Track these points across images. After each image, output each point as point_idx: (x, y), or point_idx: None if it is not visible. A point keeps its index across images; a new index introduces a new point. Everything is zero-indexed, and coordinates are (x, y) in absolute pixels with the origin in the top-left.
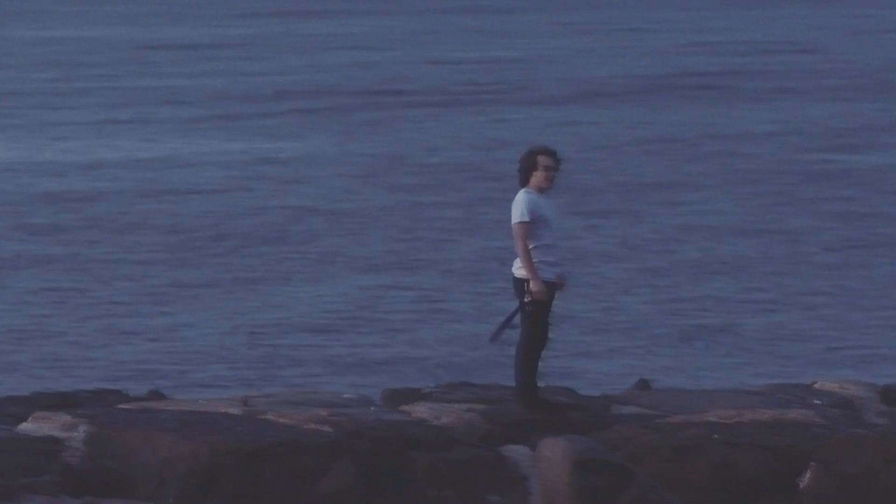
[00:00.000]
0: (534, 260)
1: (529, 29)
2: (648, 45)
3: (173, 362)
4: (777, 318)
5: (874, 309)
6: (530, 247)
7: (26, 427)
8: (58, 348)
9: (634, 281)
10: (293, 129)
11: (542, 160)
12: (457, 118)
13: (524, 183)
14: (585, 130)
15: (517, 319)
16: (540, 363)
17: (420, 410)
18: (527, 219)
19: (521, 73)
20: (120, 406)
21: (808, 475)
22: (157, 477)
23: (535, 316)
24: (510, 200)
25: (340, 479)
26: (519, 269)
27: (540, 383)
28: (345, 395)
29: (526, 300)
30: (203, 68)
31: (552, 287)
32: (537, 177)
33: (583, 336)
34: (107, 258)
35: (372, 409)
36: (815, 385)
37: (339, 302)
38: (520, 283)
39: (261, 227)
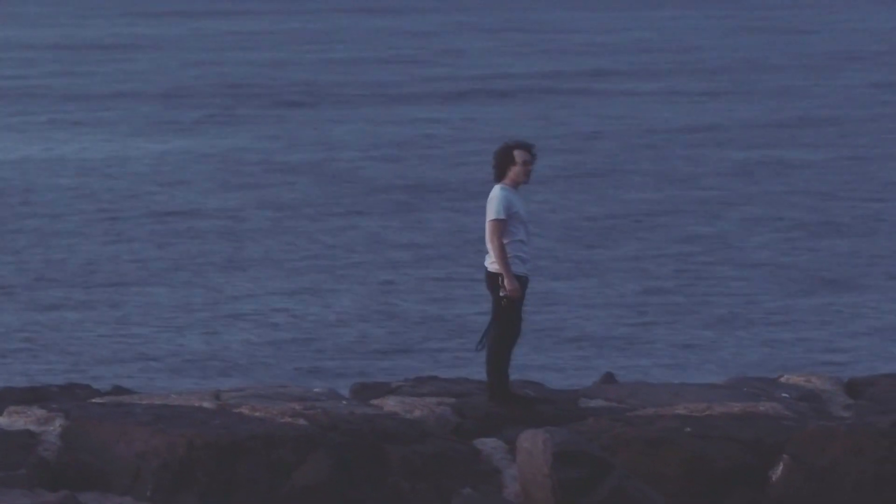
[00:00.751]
0: (507, 255)
1: (433, 29)
2: (550, 45)
3: (119, 358)
4: (718, 314)
5: (811, 310)
6: (504, 242)
7: (0, 421)
8: (3, 344)
9: (571, 275)
10: (208, 128)
11: (520, 155)
12: (363, 116)
13: (500, 178)
14: (497, 125)
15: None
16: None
17: (391, 404)
18: (502, 216)
19: (425, 72)
20: (92, 400)
21: (779, 467)
22: (133, 470)
23: (508, 311)
24: (438, 195)
25: (315, 472)
26: (492, 264)
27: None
28: (315, 390)
29: (501, 294)
30: (108, 68)
31: (524, 282)
32: (515, 172)
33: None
34: (49, 258)
35: (343, 402)
36: (781, 379)
37: (281, 298)
38: (493, 278)
39: (193, 225)
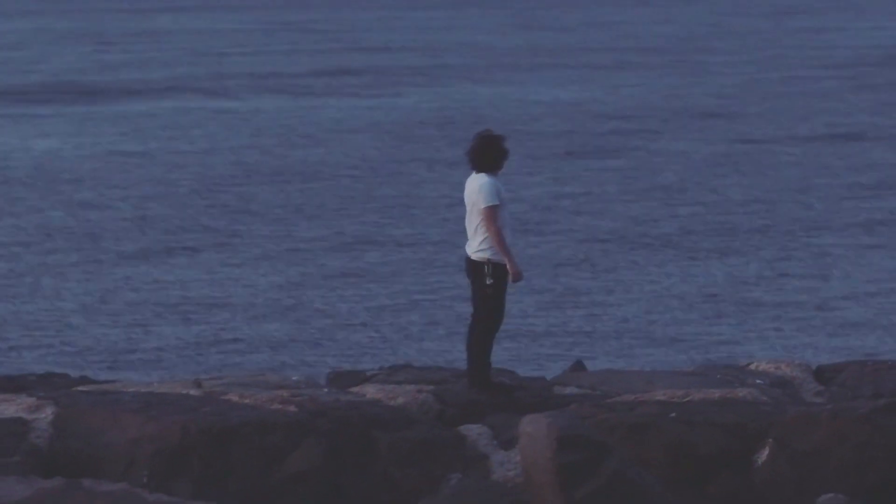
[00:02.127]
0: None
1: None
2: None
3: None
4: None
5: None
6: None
7: None
8: None
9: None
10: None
11: (505, 145)
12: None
13: (486, 168)
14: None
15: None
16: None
17: (372, 391)
18: (496, 201)
19: (206, 69)
20: (76, 389)
21: (764, 452)
22: (127, 457)
23: (495, 299)
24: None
25: (308, 458)
26: (476, 252)
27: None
28: (293, 378)
29: (488, 283)
30: None
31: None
32: (501, 162)
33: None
34: None
35: (324, 390)
36: (750, 366)
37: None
38: (477, 266)
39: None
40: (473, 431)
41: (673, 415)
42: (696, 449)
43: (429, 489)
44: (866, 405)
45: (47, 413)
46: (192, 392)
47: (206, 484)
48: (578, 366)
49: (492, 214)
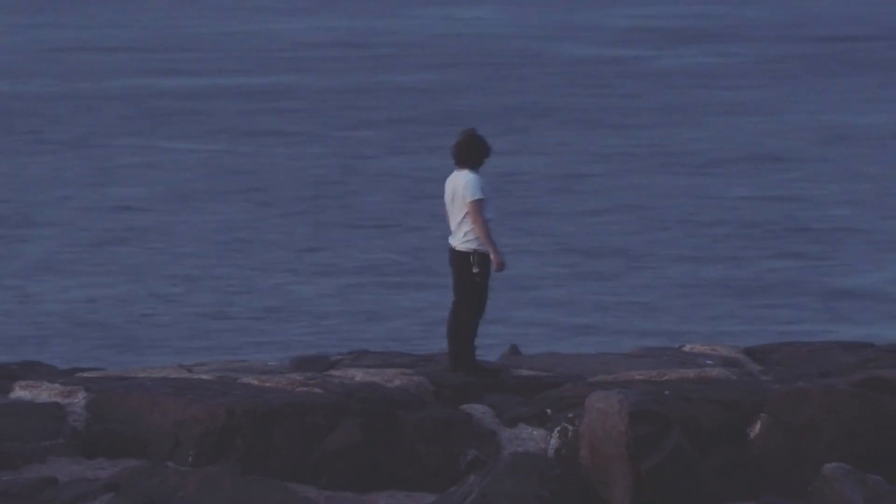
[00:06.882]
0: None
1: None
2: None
3: None
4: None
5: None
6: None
7: (22, 395)
8: None
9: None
10: None
11: (489, 143)
12: None
13: (470, 164)
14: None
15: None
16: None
17: (360, 375)
18: (482, 195)
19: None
20: (81, 375)
21: (758, 426)
22: (171, 438)
23: (482, 287)
24: None
25: (347, 436)
26: (462, 244)
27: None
28: (270, 363)
29: (475, 272)
30: None
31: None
32: (483, 159)
33: None
34: None
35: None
36: (685, 348)
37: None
38: (463, 257)
39: None
40: (478, 411)
41: (667, 392)
42: (698, 424)
43: (449, 465)
44: (843, 381)
45: (80, 398)
46: (206, 377)
47: (251, 462)
48: (514, 350)
49: (478, 207)
